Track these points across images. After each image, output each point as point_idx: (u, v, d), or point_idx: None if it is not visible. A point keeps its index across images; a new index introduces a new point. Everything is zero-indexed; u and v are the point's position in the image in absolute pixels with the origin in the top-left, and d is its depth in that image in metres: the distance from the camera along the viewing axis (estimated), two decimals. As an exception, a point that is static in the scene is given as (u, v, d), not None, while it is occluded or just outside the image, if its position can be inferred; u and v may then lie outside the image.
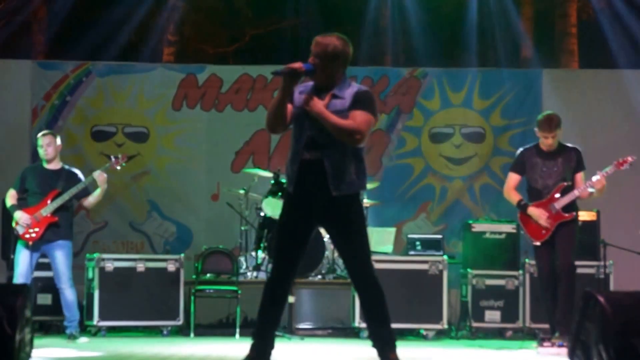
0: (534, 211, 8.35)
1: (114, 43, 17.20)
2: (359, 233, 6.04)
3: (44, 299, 10.02)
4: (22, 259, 8.90)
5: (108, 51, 16.78)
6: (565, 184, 8.33)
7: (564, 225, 8.31)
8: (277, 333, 8.60)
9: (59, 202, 8.92)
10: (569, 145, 8.52)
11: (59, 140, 9.21)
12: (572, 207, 8.37)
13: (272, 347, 6.08)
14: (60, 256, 9.00)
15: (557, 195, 8.32)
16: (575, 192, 8.31)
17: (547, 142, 8.37)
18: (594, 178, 8.24)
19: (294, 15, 19.46)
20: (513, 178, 8.64)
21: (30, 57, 15.96)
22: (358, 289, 6.12)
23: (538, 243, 8.42)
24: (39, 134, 9.27)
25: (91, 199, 9.13)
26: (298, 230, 6.05)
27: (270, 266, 10.01)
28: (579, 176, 8.42)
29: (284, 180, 10.37)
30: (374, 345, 6.03)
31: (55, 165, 9.13)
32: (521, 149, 8.69)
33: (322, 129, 5.87)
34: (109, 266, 9.95)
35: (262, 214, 10.65)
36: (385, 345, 6.00)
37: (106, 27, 17.07)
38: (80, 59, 13.80)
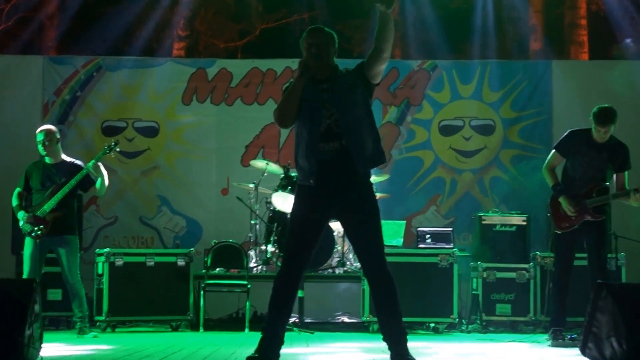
0: (565, 200, 8.21)
1: (125, 38, 17.26)
2: (376, 223, 6.05)
3: (54, 294, 10.04)
4: (31, 255, 8.89)
5: (118, 46, 16.83)
6: (602, 184, 8.19)
7: (594, 226, 8.16)
8: (287, 327, 8.64)
9: (59, 196, 8.90)
10: (619, 140, 8.27)
11: (58, 134, 9.16)
12: (604, 207, 8.21)
13: (281, 341, 6.07)
14: (67, 252, 8.99)
15: (592, 193, 8.18)
16: (610, 197, 8.15)
17: (598, 135, 8.14)
18: (631, 190, 8.03)
19: (303, 9, 19.47)
20: (555, 157, 8.38)
21: (41, 52, 16.04)
22: (371, 281, 6.08)
23: (559, 232, 8.32)
24: (37, 130, 9.24)
25: (97, 187, 9.08)
26: (313, 224, 6.05)
27: (280, 260, 10.05)
28: (622, 175, 8.23)
29: (293, 174, 10.39)
30: (385, 339, 6.02)
31: (56, 159, 9.08)
32: (570, 130, 8.42)
33: (339, 117, 5.90)
34: (119, 261, 9.96)
35: (271, 207, 10.65)
36: (396, 339, 5.98)
37: (116, 22, 17.12)
38: (90, 54, 13.84)
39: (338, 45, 6.14)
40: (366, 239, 6.04)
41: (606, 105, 8.25)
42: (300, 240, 6.05)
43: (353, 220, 6.07)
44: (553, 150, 8.45)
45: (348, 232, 6.26)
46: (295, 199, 6.17)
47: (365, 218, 6.02)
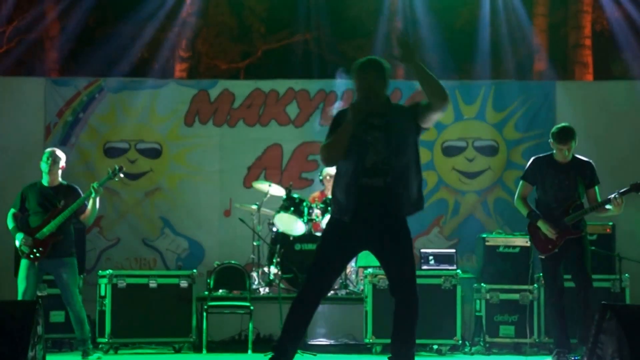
0: (543, 223, 8.28)
1: (126, 59, 17.31)
2: (411, 250, 6.14)
3: (57, 316, 9.99)
4: (26, 277, 8.85)
5: (120, 67, 16.87)
6: (577, 201, 8.27)
7: (573, 242, 8.24)
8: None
9: (60, 219, 8.87)
10: (583, 158, 8.45)
11: (63, 160, 9.15)
12: (581, 223, 8.32)
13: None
14: (66, 274, 8.95)
15: (569, 211, 8.26)
16: (588, 209, 8.25)
17: (561, 154, 8.32)
18: (612, 196, 8.14)
19: (305, 29, 19.53)
20: (524, 187, 8.57)
21: (43, 74, 16.06)
22: (399, 302, 6.06)
23: (543, 256, 8.36)
24: (48, 149, 9.25)
25: (88, 208, 9.06)
26: (341, 258, 6.12)
27: (283, 282, 10.03)
28: (593, 191, 8.36)
29: (295, 195, 10.39)
30: None
31: (54, 182, 9.07)
32: (534, 158, 8.63)
33: (390, 159, 5.91)
34: (122, 283, 9.92)
35: (274, 229, 10.65)
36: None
37: (118, 43, 17.16)
38: (92, 75, 13.85)
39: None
40: (403, 264, 6.04)
41: (564, 124, 8.48)
42: (324, 270, 6.09)
43: (390, 248, 6.07)
44: (521, 181, 8.61)
45: (382, 261, 6.22)
46: (327, 229, 6.19)
47: (403, 245, 6.06)
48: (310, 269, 6.16)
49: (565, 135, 8.29)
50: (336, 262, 6.08)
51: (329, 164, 6.24)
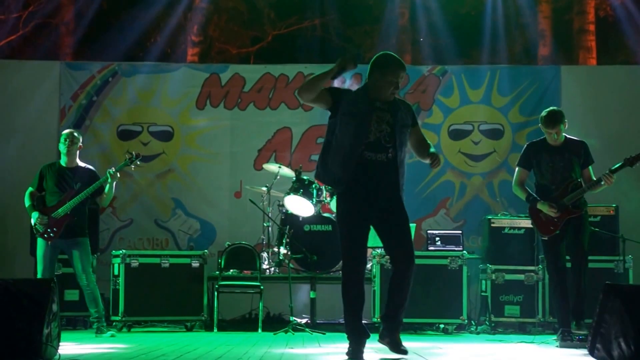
0: (543, 204, 8.41)
1: (140, 44, 17.41)
2: (407, 222, 6.51)
3: (71, 294, 10.16)
4: (44, 256, 9.03)
5: (133, 52, 16.99)
6: (574, 180, 8.38)
7: (573, 220, 8.34)
8: (299, 327, 8.76)
9: (76, 201, 9.04)
10: (576, 139, 8.54)
11: (80, 142, 9.32)
12: (581, 202, 8.43)
13: (367, 334, 6.45)
14: (80, 253, 9.11)
15: (567, 191, 8.38)
16: (585, 188, 8.37)
17: (550, 137, 8.43)
18: (605, 174, 8.23)
19: (314, 15, 19.61)
20: (521, 173, 8.64)
21: (58, 58, 16.19)
22: (399, 263, 6.36)
23: (546, 238, 8.47)
24: (65, 130, 9.41)
25: (105, 192, 9.23)
26: (366, 223, 6.35)
27: (293, 262, 10.17)
28: (587, 171, 8.44)
29: (305, 177, 10.54)
30: (385, 321, 6.40)
31: (71, 163, 9.23)
32: (528, 143, 8.73)
33: (388, 133, 6.19)
34: (135, 262, 10.10)
35: (284, 210, 10.79)
36: (397, 326, 6.38)
37: (132, 28, 17.27)
38: (106, 59, 13.99)
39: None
40: (399, 228, 6.38)
41: (552, 108, 8.59)
42: (357, 239, 6.30)
43: (385, 216, 6.34)
44: (517, 167, 8.69)
45: (379, 226, 6.42)
46: (344, 199, 6.36)
47: (398, 213, 6.40)
48: (351, 242, 6.31)
49: (553, 119, 8.39)
50: (361, 228, 6.29)
51: (302, 100, 6.41)
